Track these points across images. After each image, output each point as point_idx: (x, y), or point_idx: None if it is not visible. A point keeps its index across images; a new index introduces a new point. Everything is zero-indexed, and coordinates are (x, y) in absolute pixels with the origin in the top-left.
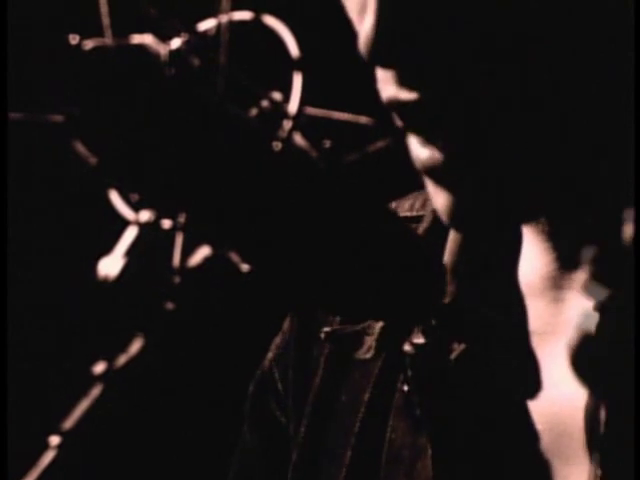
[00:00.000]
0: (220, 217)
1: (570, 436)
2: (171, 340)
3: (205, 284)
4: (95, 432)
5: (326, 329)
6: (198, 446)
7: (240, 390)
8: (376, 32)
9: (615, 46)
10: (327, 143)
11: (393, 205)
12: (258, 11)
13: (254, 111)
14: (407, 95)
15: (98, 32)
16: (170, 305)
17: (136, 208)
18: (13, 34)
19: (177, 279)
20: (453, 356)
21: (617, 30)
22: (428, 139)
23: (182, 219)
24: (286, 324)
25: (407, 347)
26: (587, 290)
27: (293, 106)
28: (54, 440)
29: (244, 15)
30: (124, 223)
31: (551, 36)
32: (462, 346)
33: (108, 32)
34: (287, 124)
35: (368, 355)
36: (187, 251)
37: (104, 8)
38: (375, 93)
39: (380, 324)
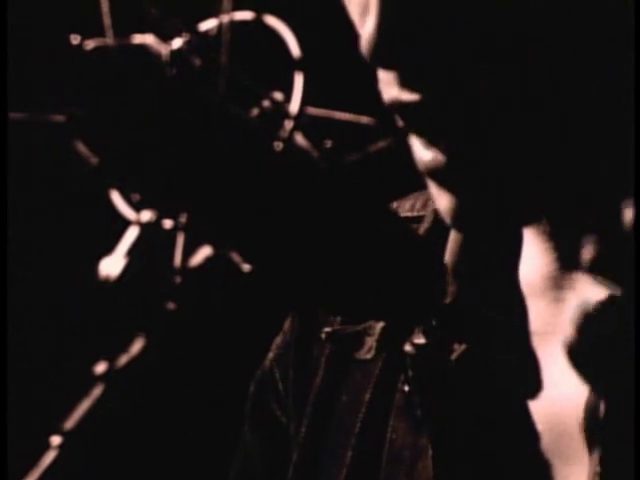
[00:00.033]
0: (221, 217)
1: (570, 436)
2: (172, 340)
3: (206, 284)
4: (96, 432)
5: (327, 329)
6: (199, 446)
7: (241, 390)
8: (378, 33)
9: (615, 46)
10: (328, 143)
11: (394, 205)
12: (259, 11)
13: (255, 111)
14: (409, 96)
15: (99, 32)
16: (171, 305)
17: (137, 208)
18: (13, 34)
19: (178, 279)
20: (454, 356)
21: (617, 30)
22: (431, 141)
23: (183, 219)
24: (287, 324)
25: (408, 347)
26: (587, 289)
27: (294, 106)
28: (55, 440)
29: (245, 15)
30: (125, 223)
31: (551, 36)
32: (463, 346)
33: (109, 32)
34: (288, 124)
35: (369, 355)
36: (188, 251)
37: (105, 8)
38: (376, 93)
39: (381, 324)
